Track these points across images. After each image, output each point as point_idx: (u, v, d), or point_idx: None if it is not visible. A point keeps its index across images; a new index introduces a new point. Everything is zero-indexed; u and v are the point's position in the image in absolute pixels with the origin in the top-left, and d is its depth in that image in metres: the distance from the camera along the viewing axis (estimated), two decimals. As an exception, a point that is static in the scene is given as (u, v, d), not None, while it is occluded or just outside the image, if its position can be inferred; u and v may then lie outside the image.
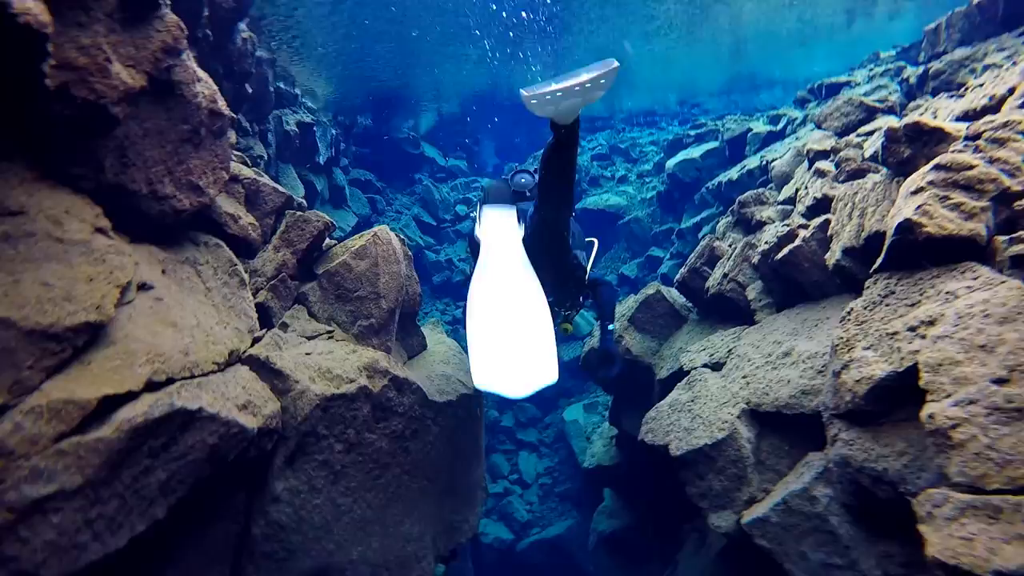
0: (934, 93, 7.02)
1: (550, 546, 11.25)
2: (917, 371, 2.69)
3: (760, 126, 12.51)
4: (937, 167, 3.18)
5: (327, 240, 5.74)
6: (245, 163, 5.64)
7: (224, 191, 4.99)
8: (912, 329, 2.87)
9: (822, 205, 5.06)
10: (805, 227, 4.95)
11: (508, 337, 3.68)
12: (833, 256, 4.30)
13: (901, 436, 2.84)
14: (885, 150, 4.12)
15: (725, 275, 5.70)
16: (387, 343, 5.10)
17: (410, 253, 5.88)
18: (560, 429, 13.19)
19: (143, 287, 3.51)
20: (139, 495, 3.05)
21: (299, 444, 4.12)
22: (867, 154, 5.46)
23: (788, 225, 5.20)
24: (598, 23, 13.79)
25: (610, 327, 4.73)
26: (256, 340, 4.38)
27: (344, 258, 5.11)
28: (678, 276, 6.54)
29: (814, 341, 4.18)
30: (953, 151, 3.32)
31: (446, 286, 15.61)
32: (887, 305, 3.22)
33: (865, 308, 3.37)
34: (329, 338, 4.82)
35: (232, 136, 4.50)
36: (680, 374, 5.70)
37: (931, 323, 2.78)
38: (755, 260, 5.28)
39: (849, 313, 3.44)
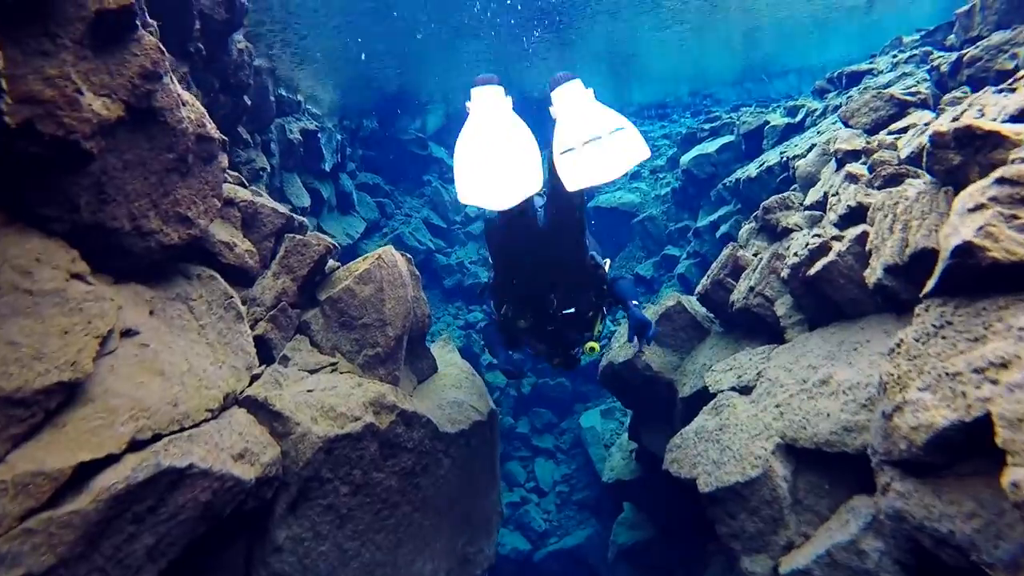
0: (970, 83, 6.60)
1: (568, 557, 10.99)
2: (989, 423, 2.36)
3: (777, 118, 12.06)
4: (1001, 181, 2.83)
5: (331, 262, 5.48)
6: (243, 183, 5.38)
7: (219, 217, 4.73)
8: (979, 371, 2.53)
9: (857, 214, 4.70)
10: (839, 239, 4.59)
11: (492, 155, 3.52)
12: (873, 274, 3.95)
13: (969, 494, 2.51)
14: (931, 156, 3.75)
15: (751, 288, 5.37)
16: (394, 372, 4.82)
17: (417, 273, 5.60)
18: (577, 435, 12.90)
19: (127, 333, 3.25)
20: (123, 565, 2.80)
21: (301, 490, 3.85)
22: (903, 155, 5.08)
23: (819, 235, 4.84)
24: (607, 16, 13.38)
25: (634, 303, 4.51)
26: (255, 378, 4.12)
27: (347, 283, 4.84)
28: (699, 287, 6.20)
29: (854, 368, 3.84)
30: (1017, 160, 2.96)
31: (458, 290, 15.34)
32: (944, 338, 2.88)
33: (917, 340, 3.03)
34: (333, 371, 4.56)
35: (224, 160, 4.23)
36: (705, 395, 5.38)
37: (1003, 366, 2.44)
38: (784, 274, 4.94)
39: (899, 345, 3.10)
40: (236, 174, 5.40)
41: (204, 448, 3.20)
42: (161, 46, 3.41)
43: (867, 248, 4.21)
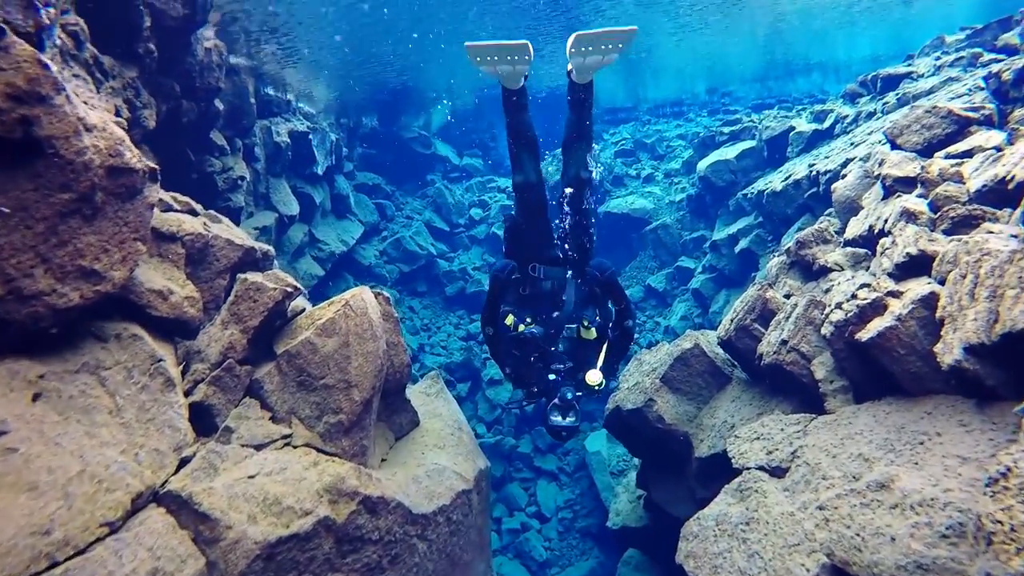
0: (1036, 96, 5.73)
1: (570, 591, 10.30)
2: None
3: (804, 124, 11.17)
4: None
5: (298, 300, 4.74)
6: (192, 211, 4.64)
7: (156, 256, 4.00)
8: None
9: (918, 264, 3.89)
10: (896, 295, 3.78)
11: None
12: (949, 353, 3.15)
13: None
14: (1028, 210, 2.95)
15: (784, 342, 4.57)
16: (361, 442, 4.08)
17: (394, 314, 4.85)
18: (582, 456, 12.17)
19: (-11, 435, 2.53)
20: None
21: (231, 611, 3.13)
22: (973, 188, 4.25)
23: (868, 286, 4.04)
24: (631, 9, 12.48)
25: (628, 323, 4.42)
26: (184, 462, 3.39)
27: (308, 335, 4.09)
28: (722, 331, 5.40)
29: (923, 473, 3.05)
30: None
31: (460, 297, 14.59)
32: (1073, 480, 2.09)
33: (1030, 472, 2.24)
34: (285, 445, 3.82)
35: (153, 194, 3.49)
36: (724, 459, 4.61)
37: None
38: (826, 331, 4.14)
39: (1005, 474, 2.32)
40: (186, 200, 4.66)
41: (88, 584, 2.48)
42: (42, 58, 2.65)
43: (937, 314, 3.40)
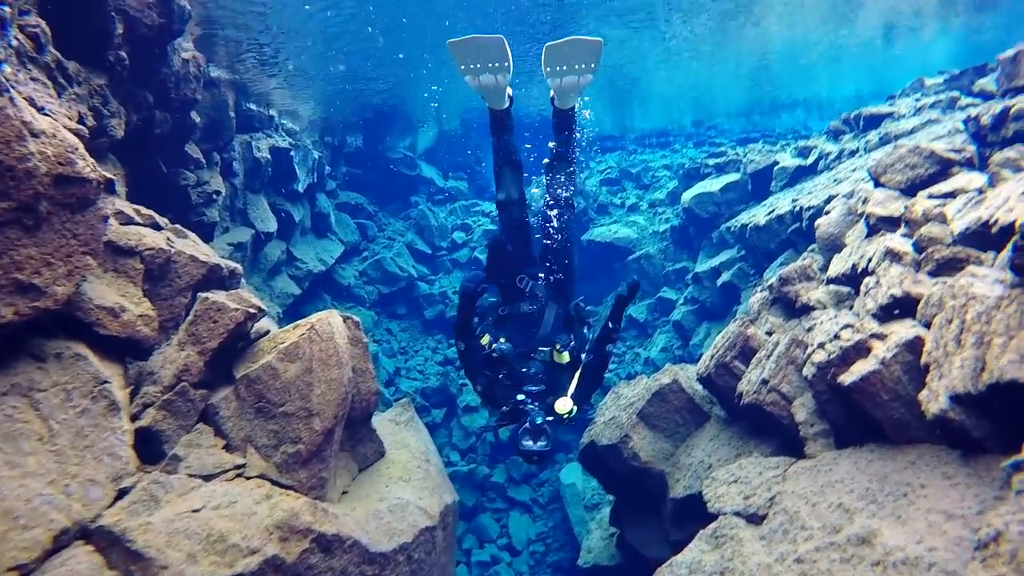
0: (1019, 139, 5.75)
1: (540, 629, 9.98)
2: None
3: (788, 159, 11.23)
4: None
5: (263, 323, 4.53)
6: (155, 225, 4.43)
7: (111, 272, 3.79)
8: None
9: (903, 306, 3.79)
10: (880, 338, 3.68)
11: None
12: (934, 401, 3.03)
13: None
14: (1019, 253, 2.88)
15: (764, 381, 4.44)
16: (320, 474, 3.86)
17: (364, 339, 4.65)
18: (556, 488, 11.91)
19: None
20: None
21: (162, 661, 2.88)
22: (956, 230, 4.19)
23: (852, 327, 3.93)
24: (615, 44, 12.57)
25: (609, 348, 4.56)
26: (123, 494, 3.15)
27: (269, 359, 3.88)
28: (702, 368, 5.27)
29: (907, 529, 2.90)
30: None
31: (439, 321, 14.37)
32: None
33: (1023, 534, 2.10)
34: (237, 475, 3.58)
35: (106, 206, 3.29)
36: (700, 502, 4.43)
37: None
38: (808, 372, 4.01)
39: (995, 540, 2.17)
40: (149, 213, 4.46)
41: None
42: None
43: (922, 360, 3.29)
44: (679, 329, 11.78)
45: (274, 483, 3.69)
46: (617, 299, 4.54)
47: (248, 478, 3.63)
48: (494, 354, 4.31)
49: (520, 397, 4.16)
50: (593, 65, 4.29)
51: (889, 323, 3.84)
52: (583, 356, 4.45)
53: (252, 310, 4.05)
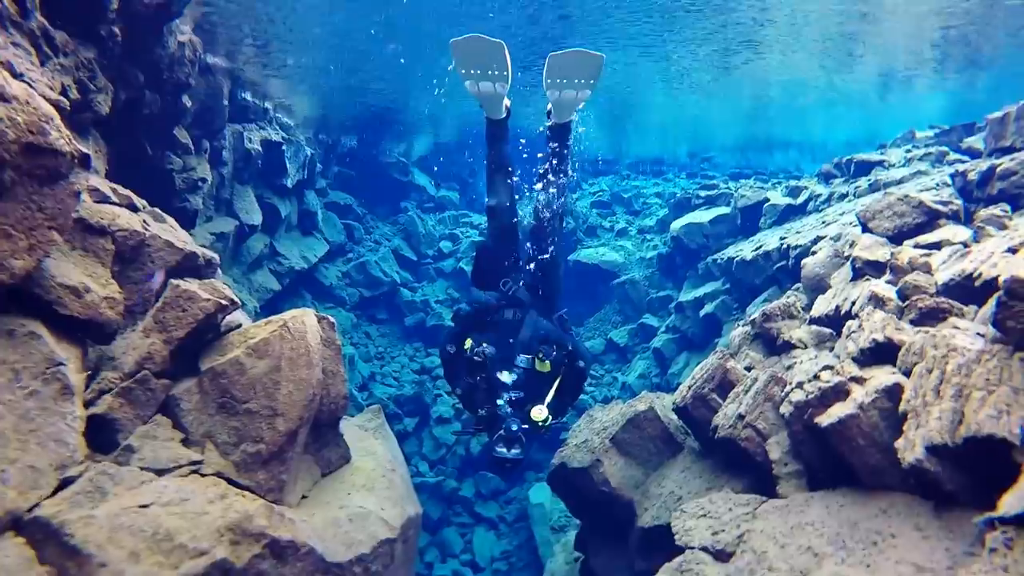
0: (1004, 198, 5.81)
1: (498, 651, 9.78)
2: None
3: (778, 197, 11.32)
4: None
5: (236, 315, 4.41)
6: (132, 206, 4.30)
7: (80, 250, 3.65)
8: None
9: (884, 351, 3.76)
10: (860, 381, 3.64)
11: None
12: (910, 451, 2.99)
13: None
14: (1002, 308, 2.86)
15: (740, 416, 4.39)
16: (279, 476, 3.72)
17: (337, 341, 4.54)
18: (524, 507, 11.75)
19: None
20: None
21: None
22: (940, 280, 4.19)
23: (832, 368, 3.90)
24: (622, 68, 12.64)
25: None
26: (67, 483, 3.00)
27: (237, 354, 3.77)
28: (679, 398, 5.21)
29: (875, 578, 2.84)
30: None
31: (419, 329, 14.23)
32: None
33: (991, 597, 2.04)
34: (192, 472, 3.45)
35: (81, 181, 3.18)
36: (668, 533, 4.34)
37: None
38: (785, 410, 3.96)
39: (963, 599, 2.11)
40: (127, 194, 4.33)
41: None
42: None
43: (901, 407, 3.25)
44: (659, 357, 11.76)
45: (231, 482, 3.56)
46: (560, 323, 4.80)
47: (204, 475, 3.49)
48: (476, 357, 4.39)
49: (500, 402, 4.20)
50: (592, 81, 4.39)
51: (869, 368, 3.81)
52: (562, 367, 4.54)
53: (224, 302, 3.93)
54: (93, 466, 3.13)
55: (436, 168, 18.11)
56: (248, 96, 9.63)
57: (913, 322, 3.90)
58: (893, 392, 3.36)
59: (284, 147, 10.53)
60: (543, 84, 4.52)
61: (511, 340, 4.55)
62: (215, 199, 9.00)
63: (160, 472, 3.36)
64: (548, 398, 4.36)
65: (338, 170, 15.89)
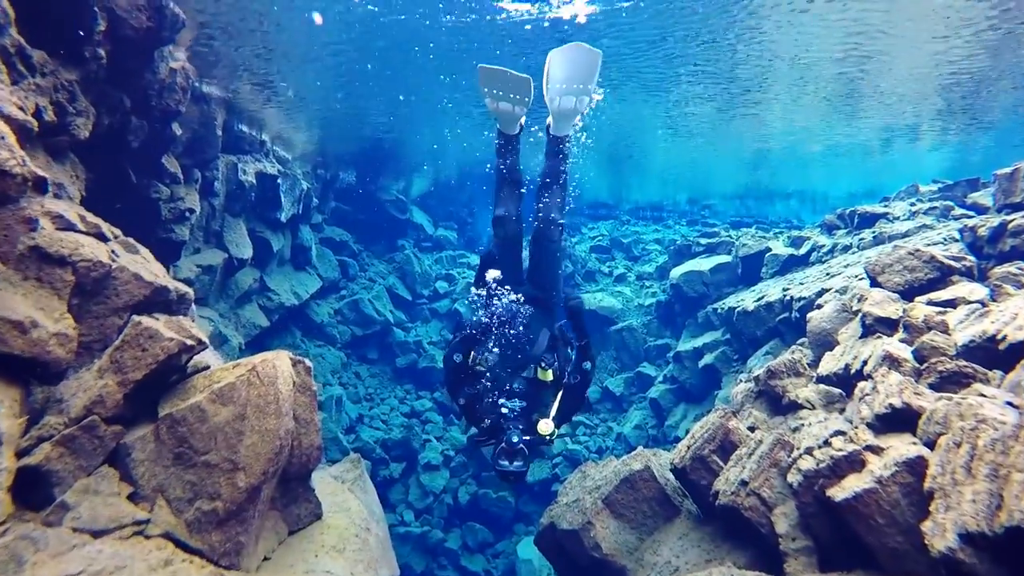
0: (1016, 254, 5.61)
1: None
2: None
3: (780, 247, 11.14)
4: None
5: (205, 356, 4.10)
6: (100, 235, 4.04)
7: (30, 280, 3.37)
8: None
9: (902, 418, 3.46)
10: (876, 452, 3.33)
11: None
12: (941, 537, 2.66)
13: None
14: (1040, 381, 2.56)
15: (744, 483, 4.05)
16: (236, 538, 3.36)
17: (313, 387, 4.22)
18: (512, 561, 11.20)
19: None
20: None
21: None
22: (960, 341, 3.92)
23: (844, 434, 3.59)
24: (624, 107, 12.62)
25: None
26: (-17, 544, 2.65)
27: (199, 399, 3.45)
28: (677, 458, 4.87)
29: None
30: None
31: (411, 371, 13.86)
32: None
33: None
34: (136, 534, 3.09)
35: (33, 207, 2.92)
36: (665, 609, 3.96)
37: None
38: (793, 479, 3.64)
39: None
40: (95, 222, 4.07)
41: None
42: None
43: (926, 484, 2.93)
44: (655, 407, 11.38)
45: (179, 544, 3.20)
46: (570, 312, 4.65)
47: (148, 537, 3.13)
48: (479, 366, 4.38)
49: (503, 411, 4.14)
50: (591, 85, 4.43)
51: (886, 436, 3.50)
52: (567, 375, 4.44)
53: (190, 341, 3.62)
54: (14, 528, 2.78)
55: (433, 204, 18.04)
56: (244, 127, 9.50)
57: (933, 386, 3.61)
58: (915, 466, 3.04)
59: (279, 180, 10.37)
60: (543, 89, 4.56)
61: (514, 349, 4.48)
62: (204, 230, 8.78)
63: (97, 534, 3.00)
64: (553, 409, 4.27)
65: (335, 205, 15.76)
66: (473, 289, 4.80)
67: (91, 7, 4.33)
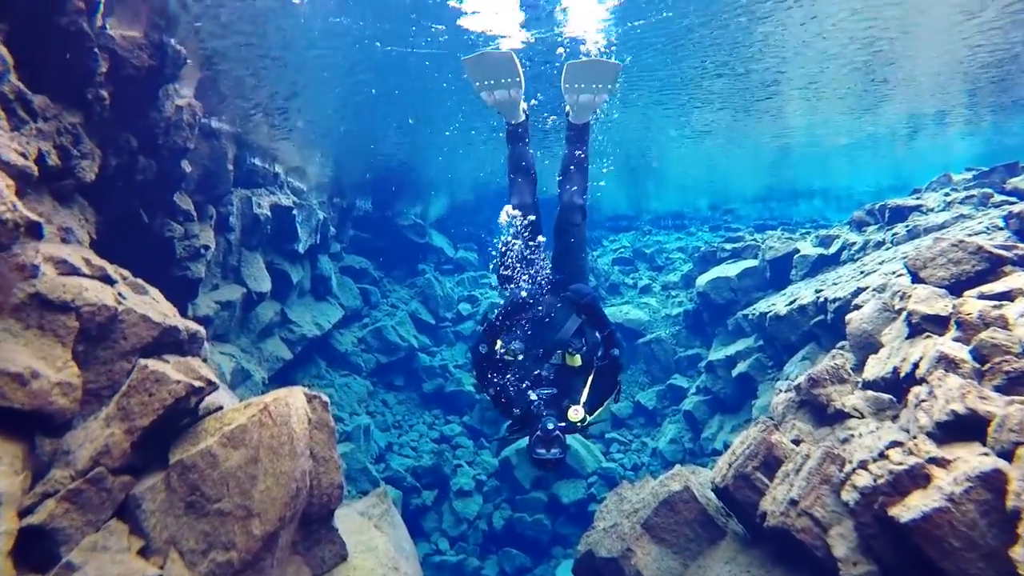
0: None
1: None
2: None
3: (809, 248, 10.75)
4: None
5: (218, 396, 3.95)
6: (106, 277, 3.94)
7: (32, 328, 3.26)
8: None
9: (968, 425, 3.16)
10: (942, 464, 3.02)
11: None
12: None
13: None
14: None
15: (794, 502, 3.75)
16: (252, 589, 3.16)
17: (331, 423, 4.05)
18: (551, 587, 10.84)
19: None
20: None
21: None
22: None
23: (901, 445, 3.29)
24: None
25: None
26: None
27: (210, 444, 3.28)
28: (718, 477, 4.57)
29: None
30: None
31: (438, 395, 13.66)
32: None
33: None
34: (145, 589, 2.91)
35: (27, 254, 2.80)
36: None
37: None
38: (849, 497, 3.34)
39: None
40: (100, 264, 3.97)
41: None
42: None
43: (1009, 503, 2.62)
44: (690, 420, 11.01)
45: (194, 600, 3.02)
46: (585, 310, 4.49)
47: (160, 594, 2.95)
48: (507, 355, 4.34)
49: (534, 399, 4.09)
50: (610, 86, 4.53)
51: (950, 446, 3.20)
52: (596, 359, 4.37)
53: (198, 383, 3.48)
54: (21, 590, 2.63)
55: (453, 230, 17.97)
56: (257, 161, 9.50)
57: (999, 389, 3.30)
58: (992, 480, 2.74)
59: (295, 211, 10.34)
60: (561, 88, 4.64)
61: (541, 336, 4.45)
62: (222, 266, 8.74)
63: (106, 591, 2.84)
64: (584, 395, 4.18)
65: (353, 233, 15.74)
66: (499, 270, 4.81)
67: (89, 49, 4.28)
